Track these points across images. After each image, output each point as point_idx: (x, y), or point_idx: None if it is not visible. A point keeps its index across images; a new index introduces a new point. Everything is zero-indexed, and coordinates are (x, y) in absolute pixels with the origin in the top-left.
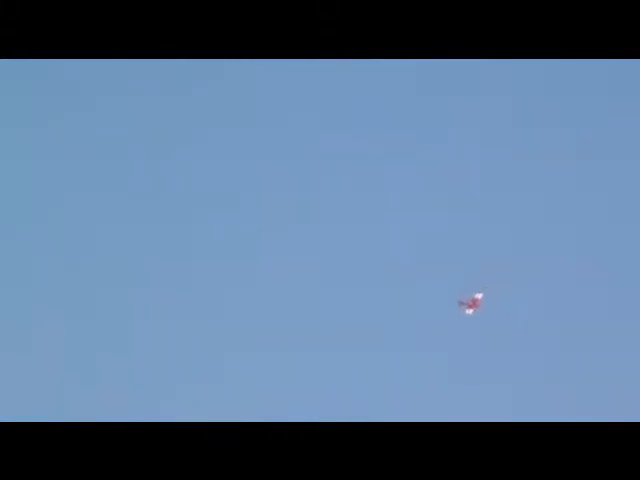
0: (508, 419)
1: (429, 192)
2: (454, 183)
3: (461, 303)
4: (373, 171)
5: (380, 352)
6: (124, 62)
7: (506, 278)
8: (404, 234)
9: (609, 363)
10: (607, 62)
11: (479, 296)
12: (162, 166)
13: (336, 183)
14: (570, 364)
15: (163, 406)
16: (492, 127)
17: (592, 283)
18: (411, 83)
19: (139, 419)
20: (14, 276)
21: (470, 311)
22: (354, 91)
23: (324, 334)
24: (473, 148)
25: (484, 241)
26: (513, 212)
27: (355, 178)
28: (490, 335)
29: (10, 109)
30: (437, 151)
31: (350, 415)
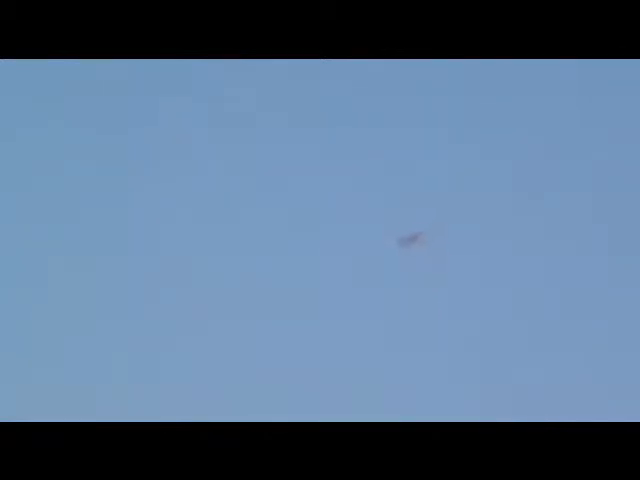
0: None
1: (429, 192)
2: (453, 183)
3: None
4: (372, 170)
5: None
6: (124, 62)
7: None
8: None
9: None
10: (607, 62)
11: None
12: (161, 166)
13: (335, 183)
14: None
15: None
16: (492, 127)
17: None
18: (412, 83)
19: (136, 419)
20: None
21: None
22: (354, 91)
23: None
24: (473, 148)
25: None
26: (511, 212)
27: (354, 177)
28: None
29: (10, 109)
30: (437, 151)
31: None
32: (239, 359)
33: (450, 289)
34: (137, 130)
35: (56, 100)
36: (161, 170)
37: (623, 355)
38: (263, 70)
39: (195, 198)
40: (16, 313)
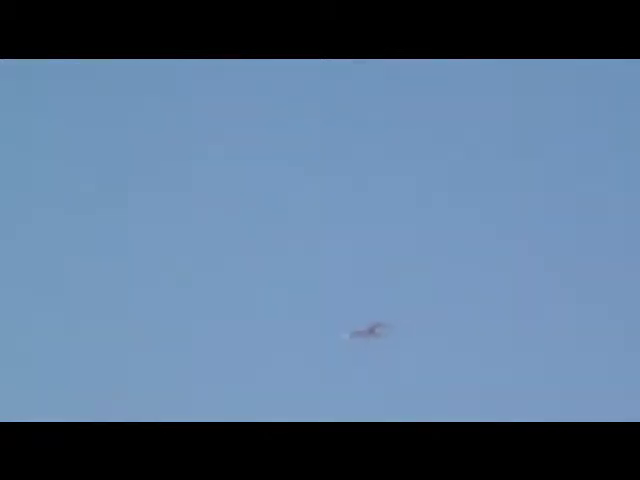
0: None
1: (427, 192)
2: (452, 183)
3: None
4: (371, 171)
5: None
6: (123, 62)
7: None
8: (396, 234)
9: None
10: (607, 62)
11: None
12: (162, 166)
13: (333, 183)
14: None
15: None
16: (492, 127)
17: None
18: (412, 83)
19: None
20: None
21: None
22: (354, 91)
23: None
24: (472, 148)
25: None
26: (509, 211)
27: (353, 177)
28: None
29: (10, 109)
30: (436, 151)
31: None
32: (238, 361)
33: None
34: (137, 130)
35: (56, 100)
36: (161, 168)
37: (623, 357)
38: (263, 70)
39: (195, 198)
40: (17, 314)
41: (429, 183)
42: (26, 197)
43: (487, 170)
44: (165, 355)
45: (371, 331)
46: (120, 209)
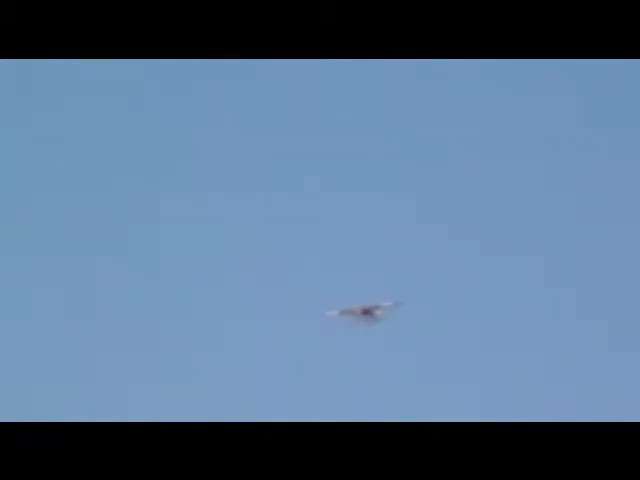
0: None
1: (426, 193)
2: (452, 183)
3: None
4: (370, 171)
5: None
6: (124, 62)
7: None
8: (394, 235)
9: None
10: (607, 62)
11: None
12: (162, 165)
13: (333, 183)
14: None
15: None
16: (494, 127)
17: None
18: (411, 83)
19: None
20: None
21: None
22: (353, 91)
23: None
24: (472, 148)
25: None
26: (506, 212)
27: (352, 178)
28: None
29: (10, 109)
30: (437, 151)
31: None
32: (239, 361)
33: None
34: (137, 129)
35: (56, 100)
36: (160, 167)
37: (623, 357)
38: (263, 70)
39: (194, 198)
40: (18, 315)
41: (428, 180)
42: (26, 196)
43: (486, 170)
44: (166, 354)
45: (366, 311)
46: (120, 208)
